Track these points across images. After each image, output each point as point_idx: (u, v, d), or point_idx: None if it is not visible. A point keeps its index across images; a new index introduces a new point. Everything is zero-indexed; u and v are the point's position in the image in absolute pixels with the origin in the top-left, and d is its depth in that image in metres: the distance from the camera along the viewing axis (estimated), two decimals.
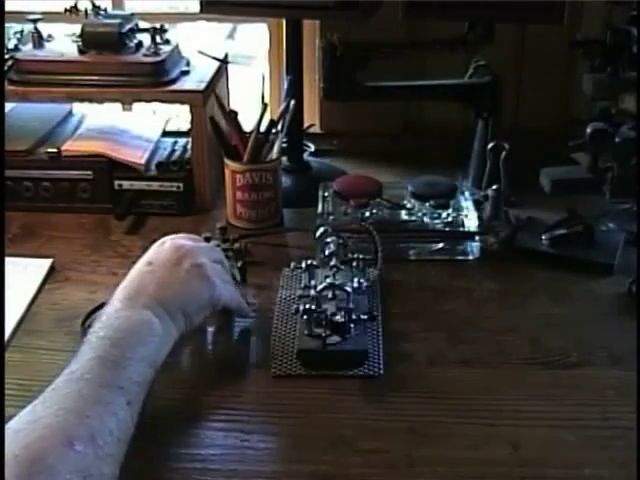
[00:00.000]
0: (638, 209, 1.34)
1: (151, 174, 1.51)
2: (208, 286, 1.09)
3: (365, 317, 1.12)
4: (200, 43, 1.64)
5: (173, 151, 1.57)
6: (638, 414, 1.01)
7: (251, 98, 1.56)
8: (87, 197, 1.51)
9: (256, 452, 0.99)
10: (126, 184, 1.50)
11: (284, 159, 1.56)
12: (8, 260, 1.35)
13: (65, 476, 0.82)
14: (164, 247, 1.12)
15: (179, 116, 1.68)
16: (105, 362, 0.94)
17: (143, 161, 1.51)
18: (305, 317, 1.11)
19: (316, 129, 1.80)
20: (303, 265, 1.20)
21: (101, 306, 1.12)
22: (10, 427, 0.87)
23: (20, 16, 1.62)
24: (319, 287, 1.12)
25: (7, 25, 1.63)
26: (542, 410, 1.03)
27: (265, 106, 1.43)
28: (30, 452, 0.82)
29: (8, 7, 1.55)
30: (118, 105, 1.72)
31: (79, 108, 1.72)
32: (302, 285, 1.18)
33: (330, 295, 1.13)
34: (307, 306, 1.11)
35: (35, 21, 1.54)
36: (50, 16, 1.64)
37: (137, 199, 1.50)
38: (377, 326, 1.16)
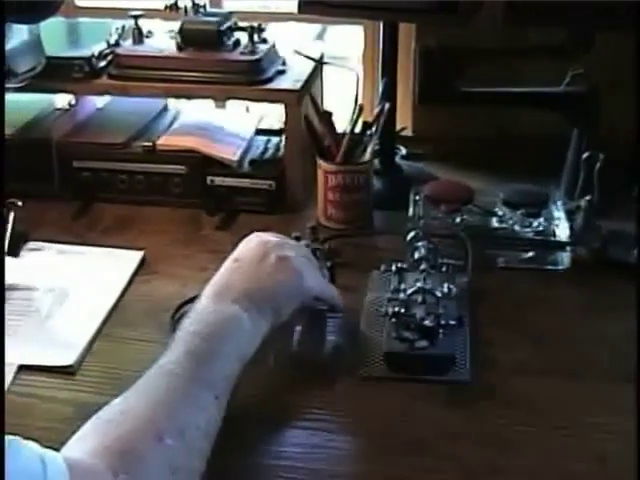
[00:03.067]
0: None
1: (243, 171, 1.52)
2: (295, 278, 1.09)
3: (454, 323, 1.12)
4: (289, 44, 1.65)
5: (266, 149, 1.58)
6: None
7: (341, 98, 1.56)
8: (179, 192, 1.53)
9: (339, 452, 1.00)
10: (218, 180, 1.51)
11: (375, 161, 1.56)
12: (101, 251, 1.38)
13: (154, 469, 0.83)
14: (251, 243, 1.13)
15: (271, 114, 1.69)
16: (194, 357, 0.95)
17: (236, 158, 1.52)
18: (394, 320, 1.11)
19: (408, 132, 1.79)
20: (393, 268, 1.20)
21: (191, 300, 1.13)
22: (101, 417, 0.89)
23: (122, 12, 1.65)
24: (409, 291, 1.13)
25: (109, 21, 1.66)
26: (628, 425, 1.01)
27: (361, 108, 1.43)
28: (121, 443, 0.84)
29: (111, 3, 1.58)
30: (210, 102, 1.73)
31: (173, 103, 1.74)
32: (391, 288, 1.18)
33: (420, 299, 1.13)
34: (396, 309, 1.11)
35: (136, 17, 1.56)
36: (150, 13, 1.67)
37: (229, 196, 1.51)
38: (465, 332, 1.15)
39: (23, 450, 0.74)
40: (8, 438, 0.74)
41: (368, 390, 1.08)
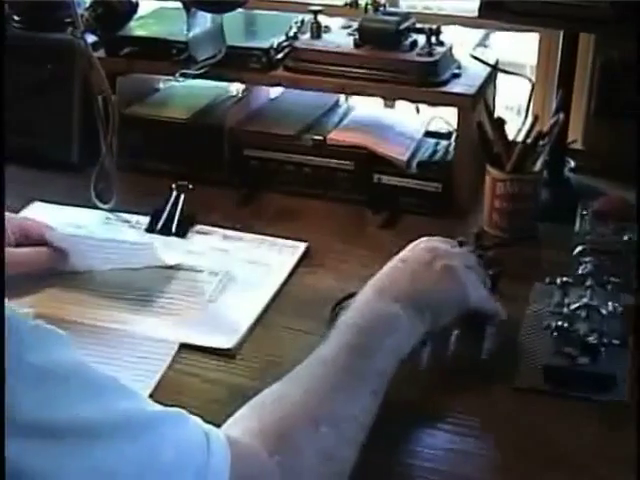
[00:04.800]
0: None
1: (411, 172, 1.51)
2: (458, 289, 1.09)
3: (617, 342, 1.09)
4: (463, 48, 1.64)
5: (435, 152, 1.58)
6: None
7: (508, 105, 1.55)
8: (345, 187, 1.54)
9: (485, 460, 0.99)
10: (385, 179, 1.52)
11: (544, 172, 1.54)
12: (265, 239, 1.41)
13: (307, 454, 0.85)
14: (419, 247, 1.14)
15: (441, 118, 1.68)
16: (353, 350, 0.97)
17: (405, 158, 1.52)
18: (556, 334, 1.10)
19: (577, 145, 1.76)
20: (557, 281, 1.18)
21: (351, 295, 1.14)
22: (258, 401, 0.91)
23: (302, 7, 1.68)
24: (573, 306, 1.11)
25: (289, 15, 1.69)
26: None
27: (536, 118, 1.42)
28: (277, 427, 0.86)
29: None
30: (378, 100, 1.74)
31: (344, 99, 1.75)
32: (555, 301, 1.16)
33: (584, 315, 1.11)
34: (559, 323, 1.10)
35: (316, 12, 1.58)
36: (330, 9, 1.69)
37: (394, 195, 1.51)
38: (626, 353, 1.13)
39: (189, 423, 0.77)
40: (175, 410, 0.77)
41: (521, 401, 1.07)
